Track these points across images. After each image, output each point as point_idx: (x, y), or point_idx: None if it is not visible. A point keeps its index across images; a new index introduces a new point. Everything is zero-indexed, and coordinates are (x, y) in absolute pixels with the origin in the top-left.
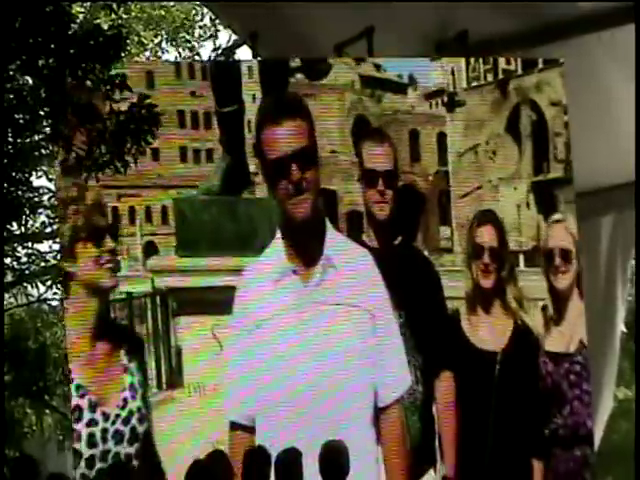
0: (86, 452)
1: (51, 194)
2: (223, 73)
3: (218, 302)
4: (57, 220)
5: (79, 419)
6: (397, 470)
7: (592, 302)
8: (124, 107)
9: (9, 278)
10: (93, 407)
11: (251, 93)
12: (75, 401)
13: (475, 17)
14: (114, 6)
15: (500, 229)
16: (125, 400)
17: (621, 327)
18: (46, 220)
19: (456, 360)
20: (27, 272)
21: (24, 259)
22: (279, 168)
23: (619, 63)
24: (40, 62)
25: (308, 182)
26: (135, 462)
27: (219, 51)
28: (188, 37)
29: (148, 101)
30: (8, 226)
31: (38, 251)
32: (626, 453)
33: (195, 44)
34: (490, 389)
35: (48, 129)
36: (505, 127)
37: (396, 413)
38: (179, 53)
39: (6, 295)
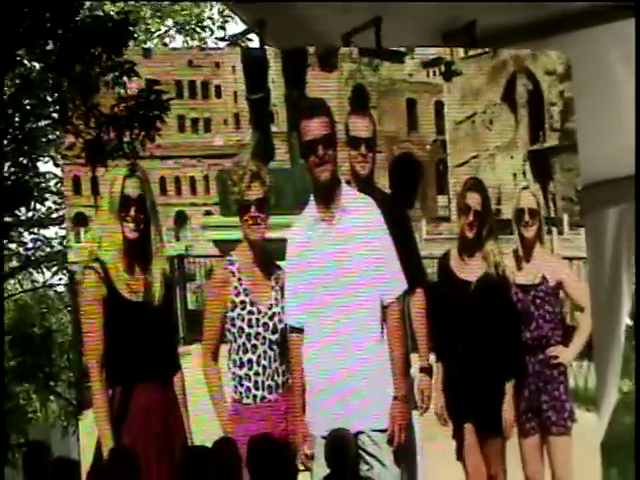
0: (246, 330)
1: (57, 180)
2: (253, 65)
3: (277, 250)
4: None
5: (244, 308)
6: (399, 354)
7: (597, 295)
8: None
9: (14, 264)
10: (252, 303)
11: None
12: (242, 297)
13: (483, 8)
14: None
15: (485, 197)
16: (271, 306)
17: (626, 320)
18: (52, 206)
19: (425, 279)
20: (33, 258)
21: (30, 245)
22: (310, 148)
23: (626, 56)
24: (47, 48)
25: (329, 156)
26: (275, 347)
27: (227, 38)
28: (196, 27)
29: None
30: (16, 212)
31: (44, 237)
32: (631, 445)
33: (203, 32)
34: (465, 306)
35: (55, 114)
36: (502, 96)
37: (397, 308)
38: (187, 41)
39: (11, 281)
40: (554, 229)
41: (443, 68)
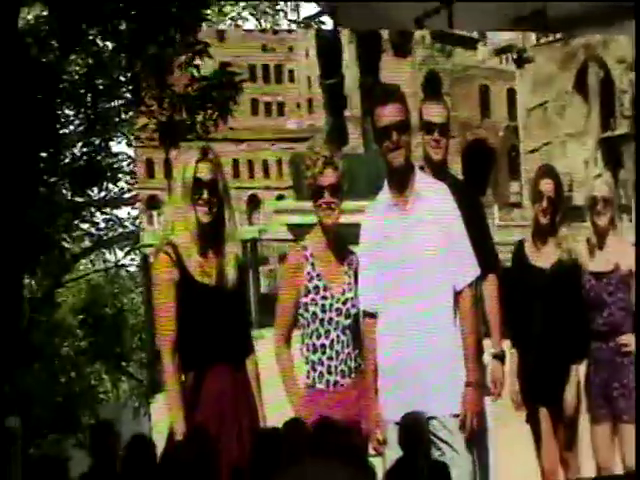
0: (320, 315)
1: (130, 160)
2: (327, 49)
3: (350, 235)
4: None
5: (317, 293)
6: (472, 340)
7: None
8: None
9: (87, 244)
10: (325, 288)
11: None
12: (315, 282)
13: None
14: None
15: (559, 184)
16: (344, 291)
17: None
18: (125, 186)
19: (498, 266)
20: (105, 238)
21: (102, 225)
22: (384, 133)
23: None
24: (120, 28)
25: (402, 142)
26: (347, 332)
27: (300, 21)
28: (269, 10)
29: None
30: (88, 192)
31: (116, 217)
32: None
33: (275, 15)
34: (540, 292)
35: (128, 95)
36: (573, 84)
37: (469, 294)
38: (259, 23)
39: (83, 261)
40: (624, 216)
41: (515, 55)
